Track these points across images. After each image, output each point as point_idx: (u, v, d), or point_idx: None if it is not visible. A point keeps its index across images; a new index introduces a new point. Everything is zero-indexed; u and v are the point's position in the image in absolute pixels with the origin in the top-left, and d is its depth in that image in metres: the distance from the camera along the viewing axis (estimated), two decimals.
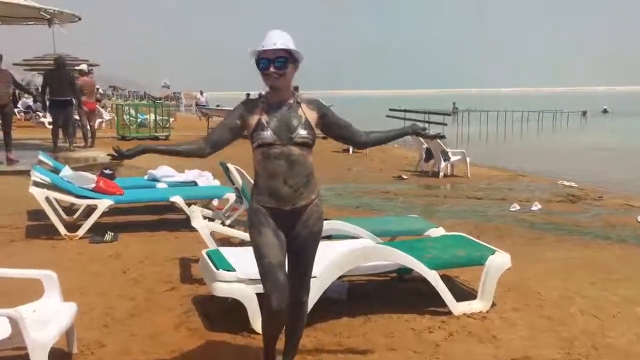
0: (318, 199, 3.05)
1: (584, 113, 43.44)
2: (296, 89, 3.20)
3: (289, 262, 3.06)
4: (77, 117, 13.96)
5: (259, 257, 2.93)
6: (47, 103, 12.54)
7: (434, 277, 4.23)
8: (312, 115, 2.99)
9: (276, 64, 2.85)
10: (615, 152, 19.47)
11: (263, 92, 3.00)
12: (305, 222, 2.99)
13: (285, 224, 2.98)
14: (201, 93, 30.43)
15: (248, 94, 27.98)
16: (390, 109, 35.11)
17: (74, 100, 12.73)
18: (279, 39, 2.86)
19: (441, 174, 12.41)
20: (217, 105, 27.76)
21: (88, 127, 14.14)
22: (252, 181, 5.72)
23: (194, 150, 3.00)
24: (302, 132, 2.90)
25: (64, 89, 12.36)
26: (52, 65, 13.20)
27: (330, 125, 3.09)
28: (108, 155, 3.08)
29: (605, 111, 49.25)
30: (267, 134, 2.88)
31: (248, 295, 3.84)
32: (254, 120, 2.93)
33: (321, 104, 3.11)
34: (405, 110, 32.15)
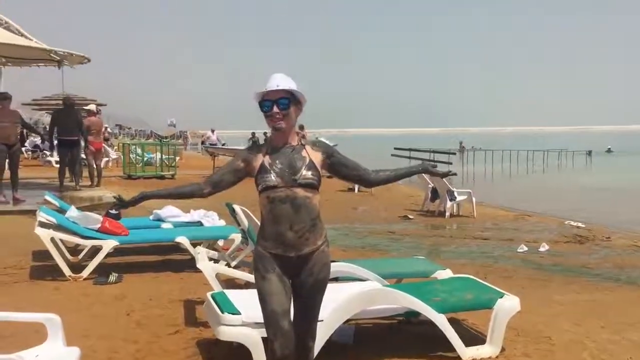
0: (325, 244, 2.99)
1: (589, 152, 43.52)
2: (301, 127, 3.22)
3: (295, 309, 3.01)
4: (83, 156, 14.05)
5: (263, 304, 2.91)
6: (55, 142, 12.66)
7: (442, 321, 4.16)
8: (316, 157, 2.97)
9: (279, 105, 2.87)
10: (621, 191, 19.39)
11: (269, 133, 3.03)
12: (310, 270, 2.95)
13: (291, 271, 2.94)
14: (212, 131, 29.82)
15: (253, 133, 27.99)
16: (395, 148, 35.26)
17: (81, 140, 12.85)
18: (281, 81, 2.90)
19: (447, 213, 12.36)
20: (223, 144, 27.70)
21: (94, 166, 14.22)
22: (259, 223, 5.71)
23: (194, 190, 3.04)
24: (306, 173, 2.88)
25: (72, 129, 12.48)
26: (61, 105, 13.35)
27: (337, 166, 3.07)
28: (113, 198, 3.14)
29: (609, 150, 49.33)
30: (271, 177, 2.87)
31: (253, 339, 3.78)
32: (257, 162, 2.94)
33: (327, 145, 3.12)
34: (410, 149, 32.29)
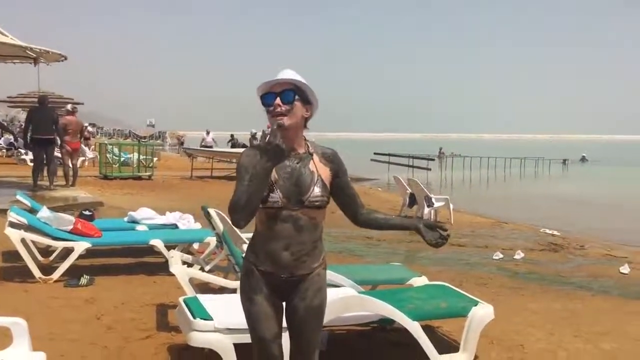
0: (321, 267, 2.66)
1: (565, 161, 44.10)
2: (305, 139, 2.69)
3: (291, 340, 2.70)
4: (58, 155, 13.83)
5: (251, 328, 2.62)
6: (29, 141, 12.44)
7: (416, 329, 4.14)
8: (325, 172, 2.61)
9: (283, 97, 2.50)
10: (595, 200, 19.62)
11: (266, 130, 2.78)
12: (303, 294, 2.60)
13: (281, 292, 2.63)
14: (207, 133, 28.69)
15: (232, 135, 27.50)
16: (375, 153, 35.35)
17: (56, 138, 12.64)
18: (286, 75, 2.55)
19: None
20: (210, 147, 26.96)
21: (70, 165, 14.01)
22: (235, 229, 5.64)
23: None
24: (316, 192, 2.53)
25: (47, 127, 12.25)
26: (36, 103, 13.14)
27: (337, 189, 2.67)
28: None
29: (583, 159, 50.02)
30: (276, 197, 2.50)
31: (225, 346, 3.73)
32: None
33: (339, 159, 2.67)
34: (390, 154, 32.39)
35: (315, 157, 2.62)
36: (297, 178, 2.54)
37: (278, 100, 2.50)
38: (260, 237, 2.60)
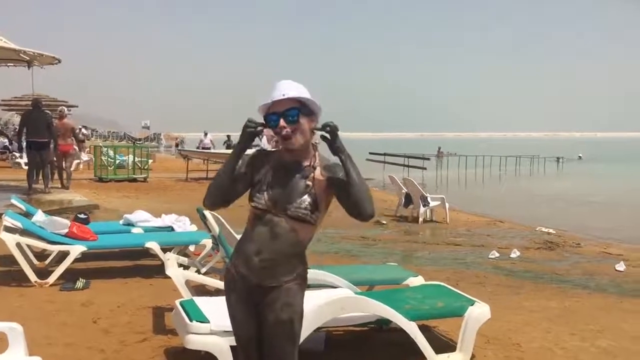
0: (294, 282, 2.51)
1: (558, 159, 44.33)
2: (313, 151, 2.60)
3: (263, 354, 2.58)
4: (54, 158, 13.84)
5: (232, 328, 2.64)
6: (24, 144, 12.43)
7: (412, 329, 4.14)
8: (322, 184, 2.50)
9: (287, 118, 2.42)
10: (590, 198, 19.68)
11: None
12: (271, 305, 2.49)
13: (254, 298, 2.54)
14: (205, 134, 28.31)
15: (228, 136, 27.37)
16: (370, 153, 35.34)
17: (51, 141, 12.64)
18: (288, 89, 2.45)
19: (420, 219, 12.40)
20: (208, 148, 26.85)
21: (63, 168, 14.01)
22: (230, 230, 5.64)
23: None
24: (301, 204, 2.45)
25: (41, 130, 12.23)
26: (30, 106, 13.14)
27: (337, 190, 2.51)
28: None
29: (579, 158, 50.40)
30: (263, 199, 2.48)
31: (221, 348, 3.72)
32: (259, 174, 2.54)
33: (336, 169, 2.52)
34: (385, 154, 32.38)
35: (317, 170, 2.52)
36: (291, 187, 2.47)
37: (282, 123, 2.42)
38: (242, 237, 2.60)
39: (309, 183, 2.48)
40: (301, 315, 2.56)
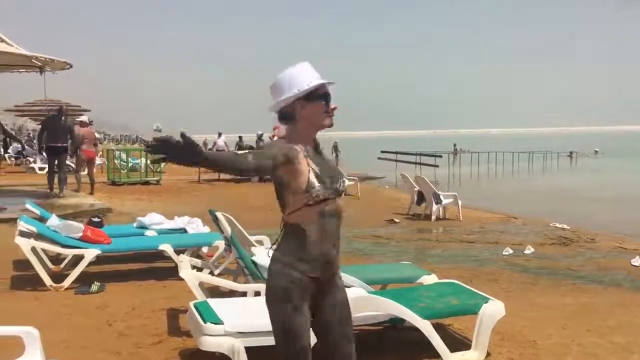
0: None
1: (571, 153, 44.01)
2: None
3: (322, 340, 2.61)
4: (69, 163, 14.11)
5: (291, 340, 2.46)
6: (44, 149, 12.78)
7: (427, 328, 4.13)
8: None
9: (329, 100, 2.55)
10: (604, 192, 19.51)
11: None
12: (332, 289, 2.60)
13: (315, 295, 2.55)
14: (219, 135, 28.02)
15: (240, 137, 27.40)
16: (382, 151, 35.29)
17: (69, 147, 12.95)
18: (315, 72, 2.55)
19: (433, 217, 12.37)
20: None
21: (86, 173, 14.36)
22: (242, 230, 5.63)
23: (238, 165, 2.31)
24: (343, 179, 2.60)
25: (59, 135, 12.56)
26: (54, 111, 13.50)
27: None
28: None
29: (595, 153, 50.02)
30: (322, 188, 2.43)
31: (236, 349, 3.73)
32: (303, 167, 2.41)
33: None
34: (397, 152, 32.32)
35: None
36: (329, 168, 2.54)
37: (333, 104, 2.54)
38: (311, 242, 2.46)
39: (330, 158, 2.63)
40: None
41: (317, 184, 2.41)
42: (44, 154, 13.14)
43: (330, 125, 2.55)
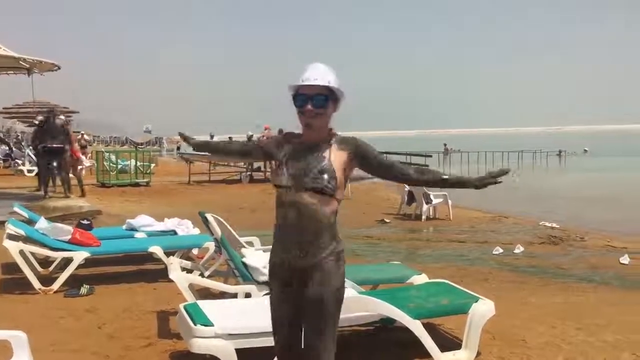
0: (328, 259, 2.62)
1: (559, 153, 44.28)
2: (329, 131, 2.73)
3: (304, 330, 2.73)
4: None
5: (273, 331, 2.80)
6: (40, 150, 12.71)
7: (417, 328, 4.14)
8: (340, 157, 2.60)
9: (315, 102, 2.53)
10: (593, 191, 19.61)
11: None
12: (306, 283, 2.64)
13: (293, 282, 2.68)
14: (211, 137, 28.15)
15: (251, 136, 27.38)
16: None
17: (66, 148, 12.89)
18: (321, 75, 2.54)
19: (424, 216, 12.40)
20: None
21: (70, 175, 14.17)
22: (232, 231, 5.63)
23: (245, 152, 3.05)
24: (318, 176, 2.54)
25: (58, 137, 12.58)
26: (47, 114, 13.45)
27: (368, 166, 2.68)
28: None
29: (585, 152, 50.33)
30: (283, 176, 2.60)
31: (226, 351, 3.72)
32: (279, 155, 2.68)
33: (357, 142, 2.66)
34: (387, 152, 32.35)
35: (333, 145, 2.62)
36: (308, 162, 2.58)
37: (309, 106, 2.54)
38: (277, 225, 2.73)
39: (326, 156, 2.59)
40: (336, 294, 2.66)
41: (279, 170, 2.61)
42: (33, 156, 13.05)
43: (307, 125, 2.59)
